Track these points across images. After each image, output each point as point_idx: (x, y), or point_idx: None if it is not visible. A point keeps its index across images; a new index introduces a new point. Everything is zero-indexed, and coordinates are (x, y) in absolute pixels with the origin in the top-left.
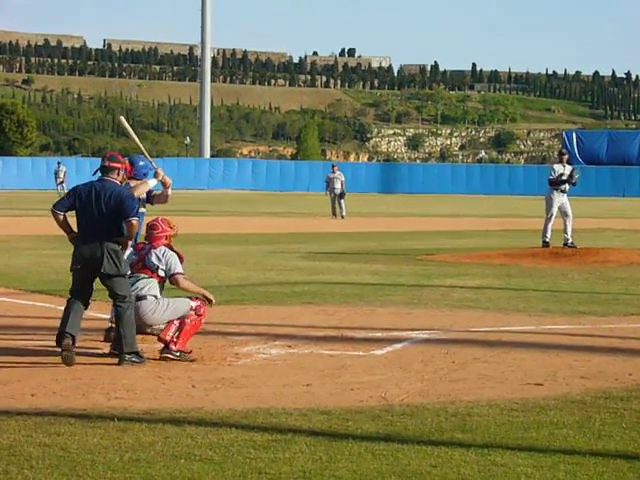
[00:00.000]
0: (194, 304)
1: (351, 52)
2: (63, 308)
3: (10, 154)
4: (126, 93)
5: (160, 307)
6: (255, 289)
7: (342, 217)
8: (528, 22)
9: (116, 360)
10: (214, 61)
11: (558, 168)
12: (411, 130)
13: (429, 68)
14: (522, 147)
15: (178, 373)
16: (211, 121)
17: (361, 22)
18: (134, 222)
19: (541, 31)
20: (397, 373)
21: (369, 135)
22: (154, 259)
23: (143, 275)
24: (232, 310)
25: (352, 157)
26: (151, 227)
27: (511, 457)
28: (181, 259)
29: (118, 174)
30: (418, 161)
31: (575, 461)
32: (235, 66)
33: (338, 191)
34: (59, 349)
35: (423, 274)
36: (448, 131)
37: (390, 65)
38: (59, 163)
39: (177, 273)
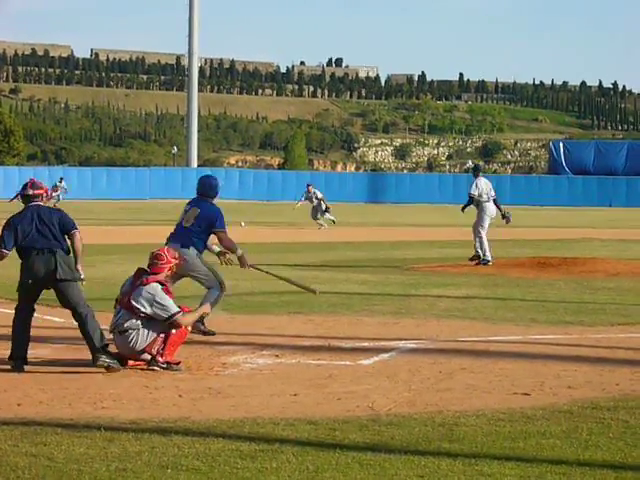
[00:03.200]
0: (176, 317)
1: (338, 62)
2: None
3: None
4: (113, 102)
5: (140, 336)
6: (242, 298)
7: (319, 226)
8: (515, 32)
9: (102, 370)
10: (201, 70)
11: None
12: (398, 140)
13: (416, 78)
14: (509, 157)
15: (165, 383)
16: (198, 130)
17: (348, 32)
18: (77, 235)
19: (528, 41)
20: (384, 383)
21: (356, 145)
22: (142, 300)
23: (125, 311)
24: (219, 319)
25: (339, 167)
26: (155, 257)
27: (498, 467)
28: (170, 296)
29: (42, 199)
30: (405, 171)
31: (562, 471)
32: (222, 75)
33: (318, 205)
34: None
35: (410, 284)
36: (435, 141)
37: (377, 75)
38: (62, 179)
39: (176, 314)
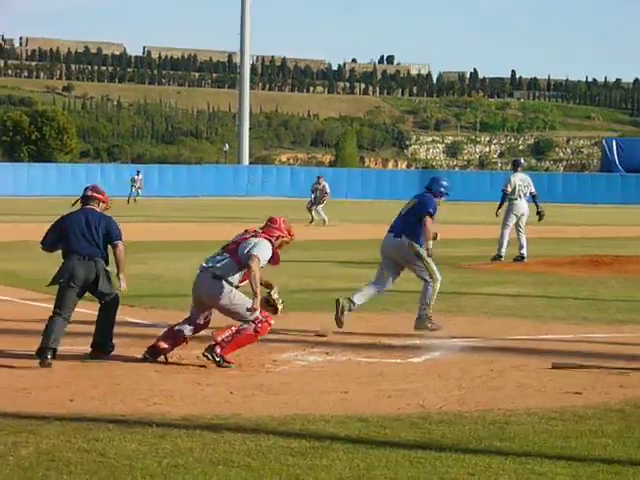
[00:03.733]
0: (259, 318)
1: (390, 59)
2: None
3: (50, 160)
4: (165, 100)
5: (226, 294)
6: (293, 296)
7: (310, 222)
8: (568, 29)
9: (159, 367)
10: (253, 68)
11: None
12: (450, 137)
13: (468, 75)
14: (561, 155)
15: (216, 379)
16: (250, 128)
17: (400, 29)
18: (121, 246)
19: (581, 38)
20: (435, 381)
21: (408, 142)
22: (246, 245)
23: (227, 255)
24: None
25: (390, 164)
26: (270, 220)
27: (550, 466)
28: (275, 258)
29: (98, 205)
30: (457, 168)
31: (614, 470)
32: (274, 73)
33: (320, 198)
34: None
35: (461, 282)
36: (487, 138)
37: (429, 72)
38: (138, 172)
39: (254, 255)
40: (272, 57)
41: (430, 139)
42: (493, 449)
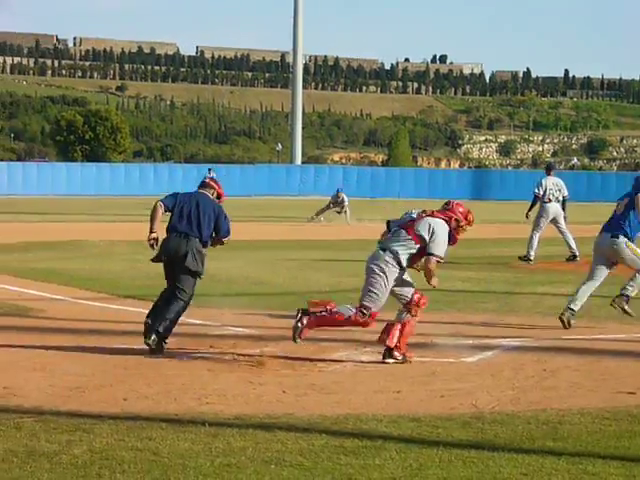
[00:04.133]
0: (415, 297)
1: (443, 59)
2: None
3: (104, 160)
4: (218, 100)
5: (388, 274)
6: (346, 295)
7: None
8: (621, 28)
9: (212, 366)
10: (306, 68)
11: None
12: (503, 136)
13: (521, 74)
14: (615, 154)
15: (269, 379)
16: (302, 128)
17: (453, 29)
18: (224, 241)
19: (635, 37)
20: (488, 381)
21: (460, 141)
22: (422, 227)
23: (404, 232)
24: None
25: (443, 163)
26: (446, 202)
27: (603, 466)
28: (453, 240)
29: (212, 194)
30: (510, 168)
31: None
32: (327, 73)
33: (334, 207)
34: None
35: (514, 281)
36: (540, 138)
37: (482, 71)
38: (210, 170)
39: (435, 256)
40: (325, 56)
41: (483, 138)
42: (546, 449)
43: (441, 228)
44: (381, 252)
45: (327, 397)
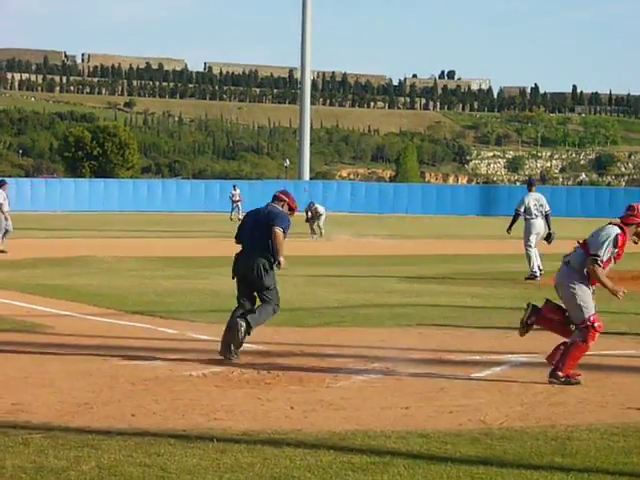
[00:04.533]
0: (587, 322)
1: (450, 74)
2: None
3: (112, 176)
4: (226, 116)
5: (570, 285)
6: (354, 311)
7: (321, 235)
8: (629, 44)
9: (220, 382)
10: (314, 84)
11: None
12: (511, 152)
13: (529, 90)
14: (623, 169)
15: (277, 394)
16: (310, 143)
17: (461, 45)
18: (277, 231)
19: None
20: (496, 396)
21: (468, 157)
22: (595, 238)
23: (580, 251)
24: (331, 332)
25: (451, 179)
26: (629, 207)
27: None
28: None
29: (282, 206)
30: (518, 183)
31: None
32: (335, 89)
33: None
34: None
35: (524, 297)
36: (548, 153)
37: (490, 87)
38: (234, 186)
39: (596, 257)
40: (333, 72)
41: (491, 154)
42: (555, 465)
43: (607, 230)
44: (564, 266)
45: (335, 413)
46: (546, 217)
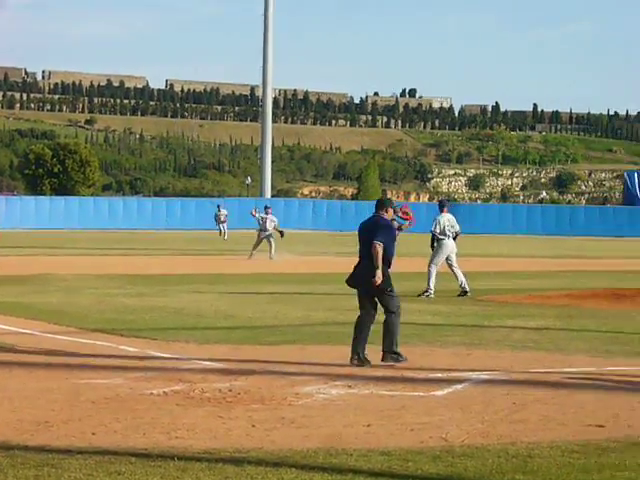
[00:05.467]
0: None
1: (412, 93)
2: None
3: (73, 194)
4: (188, 133)
5: None
6: (315, 329)
7: (270, 257)
8: (589, 63)
9: (181, 401)
10: (275, 101)
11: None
12: (472, 170)
13: (490, 109)
14: (583, 188)
15: (238, 413)
16: (272, 161)
17: (422, 63)
18: (376, 245)
19: (602, 71)
20: (457, 414)
21: (430, 175)
22: None
23: None
24: (292, 350)
25: (413, 197)
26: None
27: None
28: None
29: (384, 214)
30: (479, 201)
31: None
32: (296, 106)
33: (268, 232)
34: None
35: (483, 314)
36: (509, 171)
37: (451, 105)
38: (219, 206)
39: None
40: (294, 90)
41: (452, 172)
42: None
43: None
44: None
45: (297, 431)
46: (455, 237)
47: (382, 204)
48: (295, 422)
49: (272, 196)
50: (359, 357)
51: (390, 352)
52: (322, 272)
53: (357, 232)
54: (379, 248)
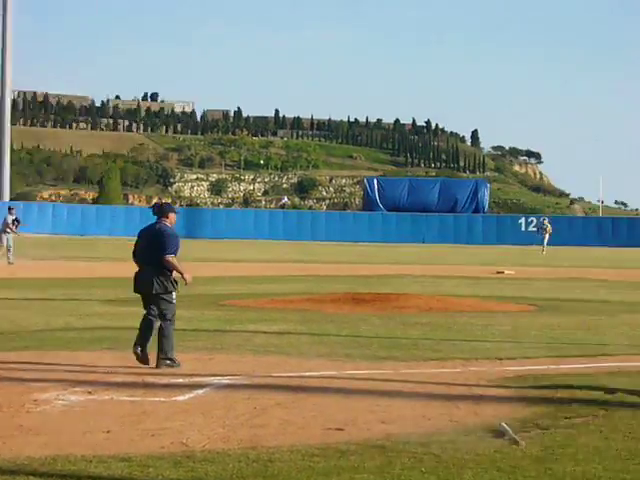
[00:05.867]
0: None
1: (154, 96)
2: None
3: None
4: None
5: None
6: (54, 334)
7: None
8: (331, 70)
9: None
10: (14, 104)
11: None
12: (214, 175)
13: (232, 114)
14: (324, 193)
15: None
16: (11, 164)
17: (164, 67)
18: (168, 258)
19: (343, 79)
20: (199, 419)
21: (172, 180)
22: None
23: None
24: (31, 356)
25: (155, 201)
26: None
27: None
28: None
29: (168, 218)
30: (221, 206)
31: None
32: (36, 109)
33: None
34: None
35: (226, 319)
36: (251, 177)
37: (193, 110)
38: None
39: None
40: (34, 92)
41: (194, 177)
42: None
43: None
44: None
45: (35, 438)
46: None
47: (162, 210)
48: (33, 429)
49: (10, 199)
50: (142, 351)
51: (165, 358)
52: (62, 277)
53: (137, 237)
54: (172, 260)
